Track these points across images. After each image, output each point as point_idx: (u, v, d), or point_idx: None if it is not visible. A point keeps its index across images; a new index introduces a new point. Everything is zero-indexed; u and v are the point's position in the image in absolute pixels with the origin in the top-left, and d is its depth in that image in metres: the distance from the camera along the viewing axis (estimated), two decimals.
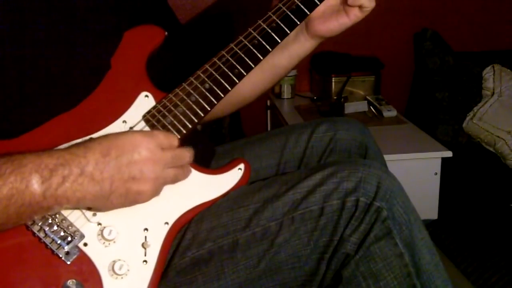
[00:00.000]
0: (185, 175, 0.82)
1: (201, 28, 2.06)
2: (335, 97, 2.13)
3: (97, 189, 0.72)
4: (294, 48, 1.04)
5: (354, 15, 0.98)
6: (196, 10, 2.22)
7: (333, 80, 2.14)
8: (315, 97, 2.26)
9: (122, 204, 0.76)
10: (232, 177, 0.88)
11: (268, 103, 2.41)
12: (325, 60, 2.24)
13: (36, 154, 0.71)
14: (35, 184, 0.69)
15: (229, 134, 2.04)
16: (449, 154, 1.72)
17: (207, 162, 1.04)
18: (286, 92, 2.31)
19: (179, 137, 0.83)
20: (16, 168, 0.68)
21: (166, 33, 0.89)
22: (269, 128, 2.43)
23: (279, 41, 0.93)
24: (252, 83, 1.04)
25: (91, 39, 0.85)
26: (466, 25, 2.37)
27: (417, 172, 1.74)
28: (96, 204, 0.75)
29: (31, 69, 0.79)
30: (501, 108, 2.11)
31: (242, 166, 0.89)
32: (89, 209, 0.77)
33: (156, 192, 0.78)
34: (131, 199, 0.76)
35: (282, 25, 0.94)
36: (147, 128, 0.83)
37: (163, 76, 0.92)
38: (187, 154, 0.81)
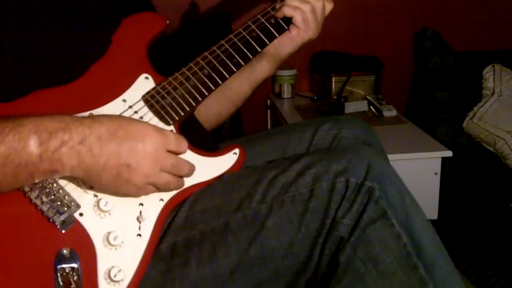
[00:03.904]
0: (177, 187, 0.82)
1: (199, 29, 2.06)
2: (335, 97, 2.13)
3: (92, 162, 0.72)
4: (246, 71, 1.05)
5: (294, 30, 1.00)
6: (194, 11, 2.22)
7: (333, 80, 2.14)
8: (315, 97, 2.26)
9: (109, 186, 0.76)
10: (226, 161, 0.89)
11: (268, 103, 2.41)
12: (325, 60, 2.24)
13: (37, 116, 0.71)
14: (33, 146, 0.69)
15: (229, 134, 2.03)
16: (449, 154, 1.72)
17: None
18: (286, 92, 2.31)
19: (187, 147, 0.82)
20: (15, 127, 0.68)
21: (168, 21, 0.91)
22: (269, 128, 2.43)
23: (277, 35, 0.97)
24: (205, 105, 0.98)
25: (94, 20, 0.87)
26: (466, 25, 2.37)
27: (417, 172, 1.74)
28: (87, 176, 0.74)
29: (32, 50, 0.81)
30: (501, 108, 2.11)
31: (237, 151, 0.90)
32: (82, 180, 0.76)
33: (142, 190, 0.78)
34: (118, 184, 0.75)
35: (280, 20, 0.98)
36: (145, 109, 0.85)
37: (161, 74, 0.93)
38: (187, 167, 0.81)
